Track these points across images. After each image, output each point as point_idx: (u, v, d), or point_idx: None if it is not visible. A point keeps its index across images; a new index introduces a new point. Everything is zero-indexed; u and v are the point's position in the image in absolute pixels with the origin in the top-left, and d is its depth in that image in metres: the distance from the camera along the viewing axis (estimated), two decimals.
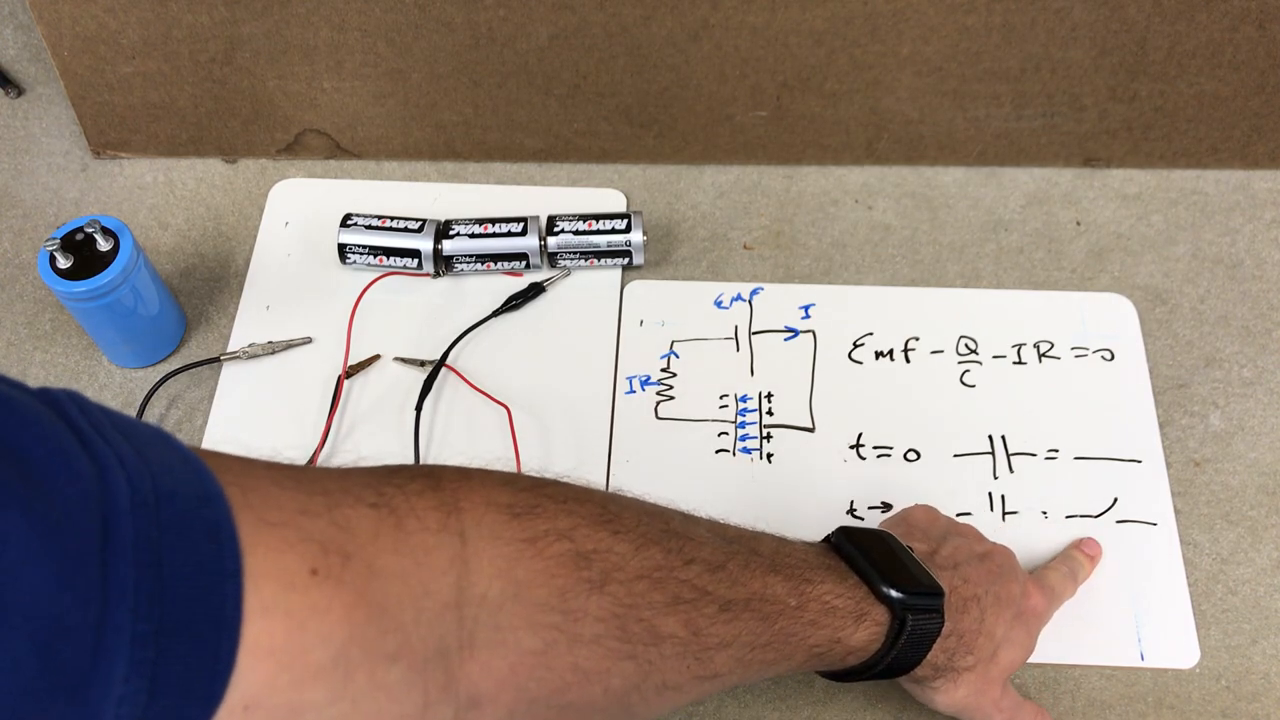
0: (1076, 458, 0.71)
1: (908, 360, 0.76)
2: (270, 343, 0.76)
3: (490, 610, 0.39)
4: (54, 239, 0.69)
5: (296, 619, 0.33)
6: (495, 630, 0.39)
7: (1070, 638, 0.65)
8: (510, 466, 0.71)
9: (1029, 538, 0.68)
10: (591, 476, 0.71)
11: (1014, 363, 0.75)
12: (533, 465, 0.71)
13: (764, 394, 0.74)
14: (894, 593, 0.51)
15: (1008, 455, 0.72)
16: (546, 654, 0.40)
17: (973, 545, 0.60)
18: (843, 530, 0.55)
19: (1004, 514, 0.69)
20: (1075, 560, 0.66)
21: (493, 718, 0.40)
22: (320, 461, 0.71)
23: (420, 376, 0.74)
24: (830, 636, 0.50)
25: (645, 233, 0.78)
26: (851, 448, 0.72)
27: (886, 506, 0.70)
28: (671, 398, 0.74)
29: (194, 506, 0.32)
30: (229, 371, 0.76)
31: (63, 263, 0.69)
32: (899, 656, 0.52)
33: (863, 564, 0.53)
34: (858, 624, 0.51)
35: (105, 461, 0.31)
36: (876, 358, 0.76)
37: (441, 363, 0.75)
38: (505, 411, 0.73)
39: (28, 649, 0.27)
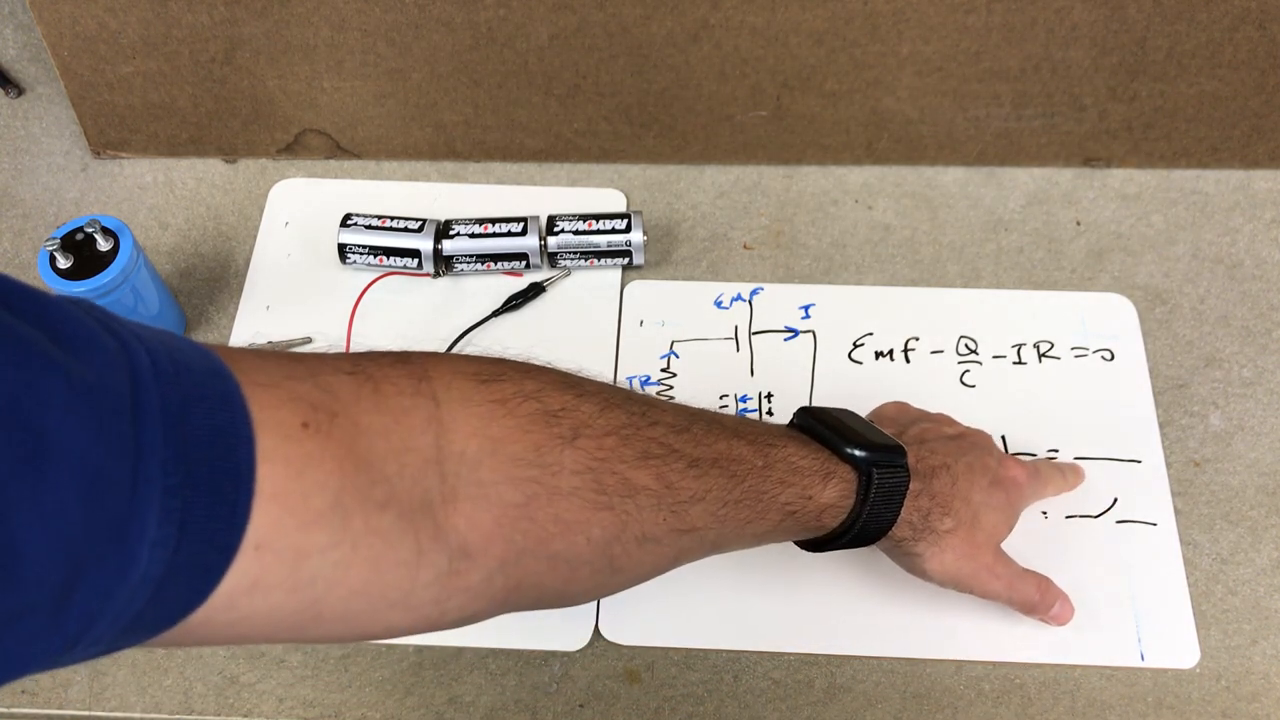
0: (1076, 458, 0.71)
1: (908, 360, 0.76)
2: (270, 343, 0.76)
3: (470, 466, 0.42)
4: (54, 239, 0.69)
5: (295, 467, 0.36)
6: (477, 485, 0.42)
7: (1070, 638, 0.65)
8: None
9: (1029, 538, 0.68)
10: None
11: (1014, 363, 0.75)
12: None
13: (764, 394, 0.74)
14: (857, 452, 0.54)
15: None
16: (528, 506, 0.43)
17: (943, 428, 0.64)
18: (804, 409, 0.58)
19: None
20: (1066, 463, 0.70)
21: (485, 568, 0.42)
22: None
23: None
24: (800, 493, 0.52)
25: (645, 233, 0.78)
26: None
27: None
28: (671, 398, 0.74)
29: (207, 378, 0.35)
30: None
31: (63, 263, 0.69)
32: (873, 514, 0.54)
33: (824, 432, 0.56)
34: (825, 481, 0.53)
35: (127, 339, 0.34)
36: (876, 358, 0.76)
37: None
38: None
39: (75, 498, 0.29)
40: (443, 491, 0.41)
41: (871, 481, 0.54)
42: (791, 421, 0.58)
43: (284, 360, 0.40)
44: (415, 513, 0.40)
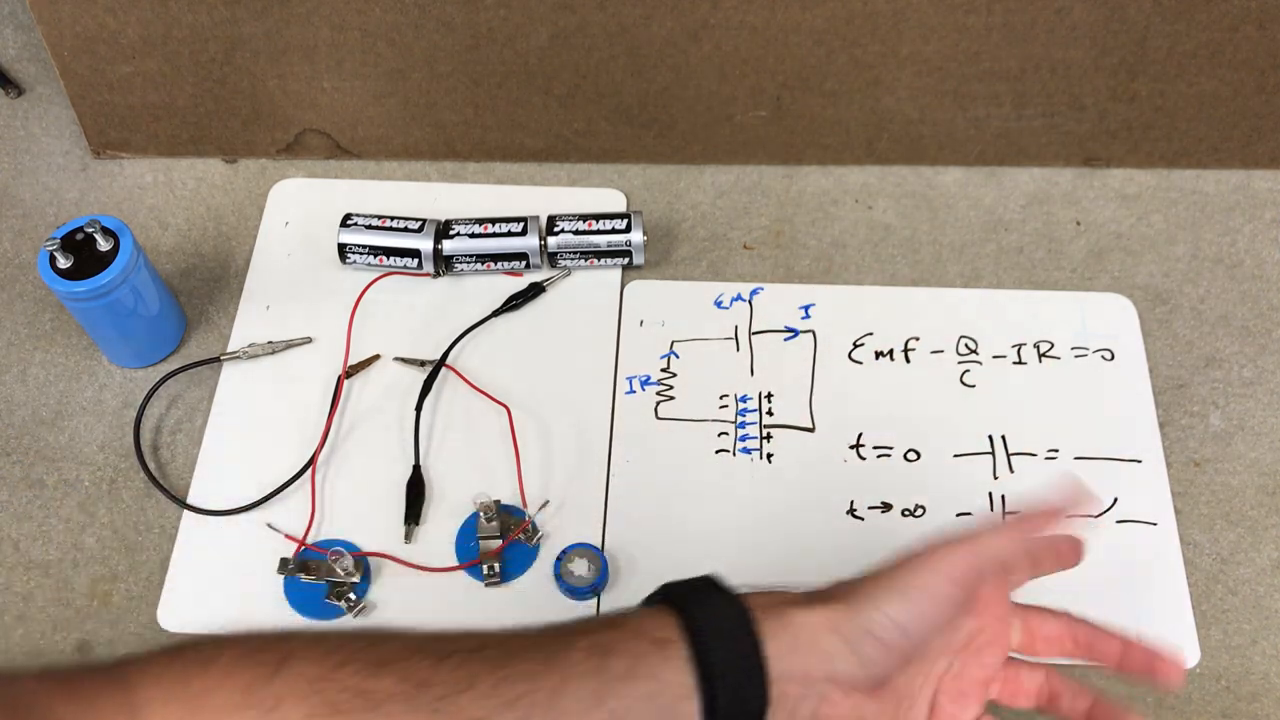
0: (1076, 458, 0.71)
1: (908, 360, 0.76)
2: (270, 343, 0.76)
3: None
4: (54, 239, 0.69)
5: None
6: None
7: None
8: (510, 467, 0.71)
9: None
10: (592, 476, 0.71)
11: (1014, 363, 0.75)
12: (533, 465, 0.71)
13: (764, 394, 0.74)
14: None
15: (1008, 455, 0.72)
16: None
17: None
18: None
19: (1004, 514, 0.69)
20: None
21: None
22: (319, 463, 0.71)
23: (420, 376, 0.74)
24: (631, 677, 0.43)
25: (645, 233, 0.78)
26: (851, 448, 0.72)
27: (886, 506, 0.70)
28: (671, 398, 0.74)
29: None
30: (229, 371, 0.76)
31: (63, 263, 0.69)
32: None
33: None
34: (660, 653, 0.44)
35: None
36: (876, 358, 0.76)
37: (441, 363, 0.75)
38: (505, 411, 0.73)
39: None
40: None
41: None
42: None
43: None
44: None
